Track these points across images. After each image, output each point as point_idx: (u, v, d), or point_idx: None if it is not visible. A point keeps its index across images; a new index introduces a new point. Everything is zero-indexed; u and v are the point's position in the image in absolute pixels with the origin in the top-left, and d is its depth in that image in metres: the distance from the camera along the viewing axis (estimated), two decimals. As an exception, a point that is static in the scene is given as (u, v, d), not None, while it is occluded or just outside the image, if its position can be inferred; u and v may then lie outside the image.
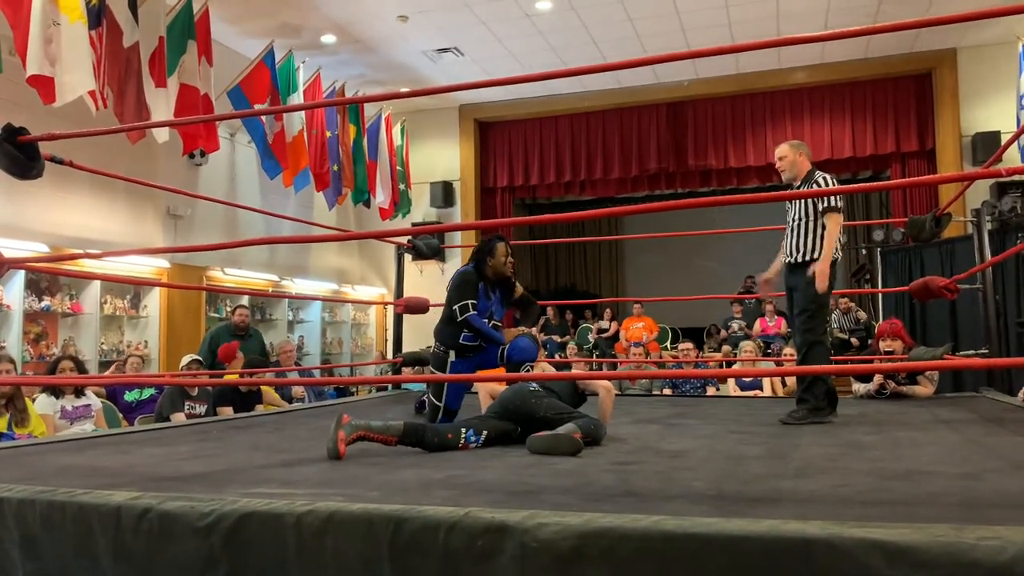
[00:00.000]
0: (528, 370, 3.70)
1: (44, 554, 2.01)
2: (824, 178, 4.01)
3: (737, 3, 8.30)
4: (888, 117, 9.95)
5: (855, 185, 6.64)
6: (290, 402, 6.43)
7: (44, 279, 6.87)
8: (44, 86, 5.46)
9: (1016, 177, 7.35)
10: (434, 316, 7.02)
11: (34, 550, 2.01)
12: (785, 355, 7.31)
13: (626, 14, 8.51)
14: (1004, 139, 8.07)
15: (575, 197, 12.10)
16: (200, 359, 6.13)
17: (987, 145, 9.04)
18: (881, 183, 6.88)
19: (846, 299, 9.43)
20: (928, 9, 8.24)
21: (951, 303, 6.83)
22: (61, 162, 3.35)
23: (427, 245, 6.09)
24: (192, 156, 8.31)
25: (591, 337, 11.91)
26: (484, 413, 3.28)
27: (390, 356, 6.21)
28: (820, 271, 3.87)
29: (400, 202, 10.69)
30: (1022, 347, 6.77)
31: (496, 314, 3.93)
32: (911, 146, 9.86)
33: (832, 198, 3.91)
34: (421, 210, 11.50)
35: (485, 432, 3.08)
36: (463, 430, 3.03)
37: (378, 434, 2.90)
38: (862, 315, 9.52)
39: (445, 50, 9.46)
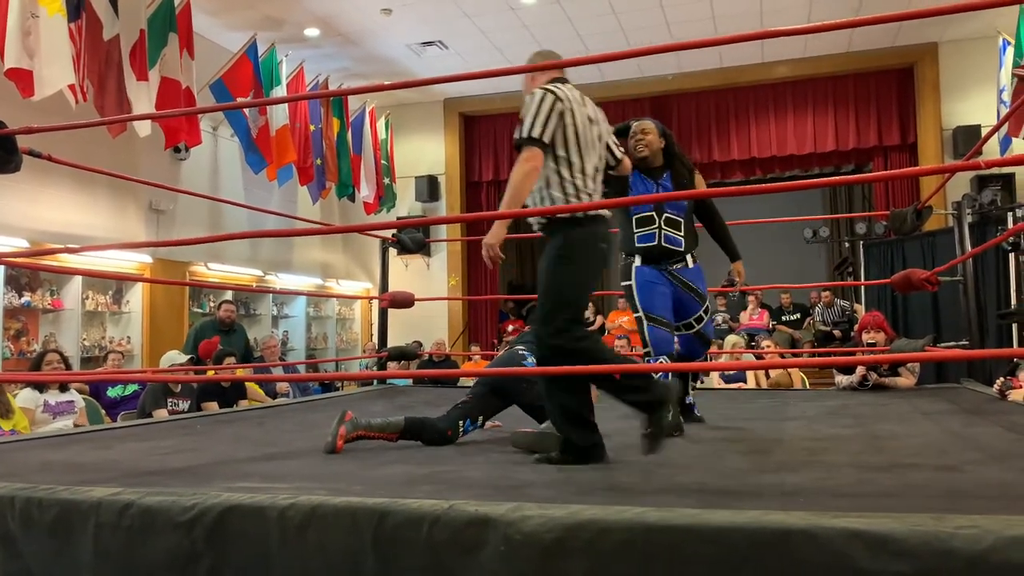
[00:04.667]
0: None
1: (25, 552, 1.98)
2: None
3: (721, -3, 8.32)
4: (870, 111, 10.00)
5: (838, 178, 6.70)
6: (274, 398, 6.41)
7: (24, 275, 6.79)
8: (23, 80, 5.41)
9: (996, 170, 7.42)
10: (419, 310, 7.05)
11: (14, 548, 1.99)
12: (764, 347, 7.41)
13: (611, 8, 8.51)
14: (985, 132, 8.13)
15: (560, 191, 12.09)
16: (194, 357, 6.07)
17: (968, 138, 9.10)
18: (863, 175, 6.93)
19: (828, 292, 9.51)
20: (909, 3, 8.29)
21: (933, 295, 6.90)
22: (40, 156, 3.32)
23: (412, 239, 6.08)
24: (176, 150, 8.24)
25: (576, 331, 11.92)
26: (473, 386, 3.29)
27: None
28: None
29: (385, 196, 10.66)
30: (1002, 338, 6.84)
31: (668, 207, 3.46)
32: (893, 139, 9.93)
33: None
34: (406, 204, 11.46)
35: (481, 418, 3.16)
36: (460, 423, 3.07)
37: (378, 432, 2.92)
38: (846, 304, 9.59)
39: (429, 43, 9.41)
